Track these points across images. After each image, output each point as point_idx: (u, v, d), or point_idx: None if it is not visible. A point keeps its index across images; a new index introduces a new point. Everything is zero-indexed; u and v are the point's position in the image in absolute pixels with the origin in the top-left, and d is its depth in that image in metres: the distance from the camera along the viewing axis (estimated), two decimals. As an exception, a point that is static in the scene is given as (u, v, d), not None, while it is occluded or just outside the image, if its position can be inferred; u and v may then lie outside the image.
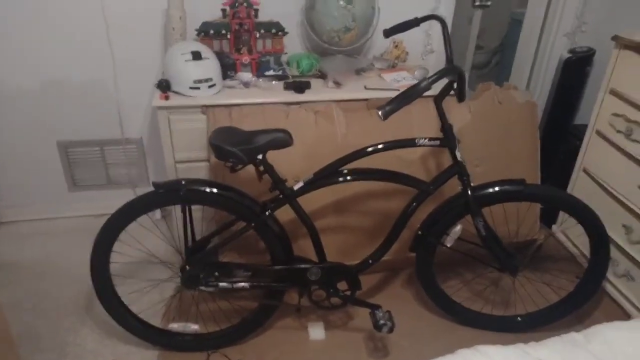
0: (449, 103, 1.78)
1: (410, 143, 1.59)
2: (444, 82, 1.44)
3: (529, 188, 1.65)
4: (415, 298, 2.03)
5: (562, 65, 2.42)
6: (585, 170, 2.11)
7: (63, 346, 1.78)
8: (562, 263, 2.21)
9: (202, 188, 1.56)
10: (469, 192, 1.61)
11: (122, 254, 1.67)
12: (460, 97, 1.44)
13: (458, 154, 1.60)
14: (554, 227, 2.37)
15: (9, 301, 1.94)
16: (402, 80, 2.14)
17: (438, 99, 1.55)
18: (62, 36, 2.09)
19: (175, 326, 1.77)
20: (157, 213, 2.49)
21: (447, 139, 1.58)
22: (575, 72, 2.42)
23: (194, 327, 1.75)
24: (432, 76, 1.29)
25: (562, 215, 2.32)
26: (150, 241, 2.08)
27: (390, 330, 1.69)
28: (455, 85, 1.45)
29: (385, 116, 1.24)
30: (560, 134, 2.49)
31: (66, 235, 2.34)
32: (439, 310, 1.92)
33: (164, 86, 1.87)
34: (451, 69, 1.35)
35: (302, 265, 1.69)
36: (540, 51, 2.63)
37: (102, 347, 1.77)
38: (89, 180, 2.43)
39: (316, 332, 1.85)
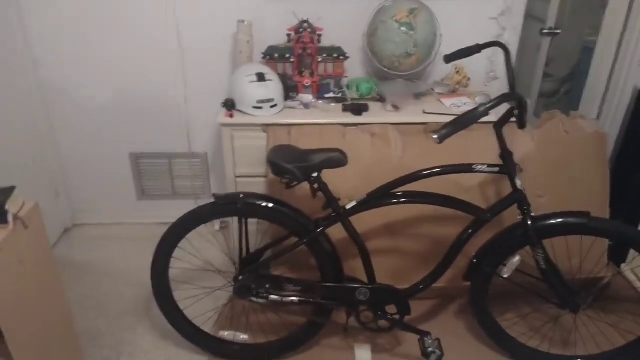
0: (512, 131, 1.74)
1: (467, 168, 1.57)
2: (504, 108, 1.42)
3: (593, 221, 1.57)
4: (467, 329, 1.96)
5: (636, 95, 2.29)
6: (660, 207, 1.97)
7: (120, 344, 1.89)
8: (631, 305, 2.05)
9: (259, 202, 1.63)
10: (529, 222, 1.56)
11: (181, 260, 1.76)
12: (521, 124, 1.41)
13: (518, 182, 1.56)
14: (623, 265, 2.21)
15: (76, 298, 2.09)
16: (462, 105, 2.12)
17: (498, 125, 1.53)
18: (139, 55, 2.28)
19: (225, 334, 1.83)
20: (216, 225, 2.60)
21: (507, 166, 1.55)
22: (652, 103, 2.28)
23: (243, 337, 1.79)
24: (490, 102, 1.27)
25: (633, 254, 2.16)
26: (208, 251, 2.17)
27: (439, 358, 1.64)
28: (516, 112, 1.42)
29: (440, 140, 1.24)
30: (634, 169, 2.34)
31: (132, 240, 2.49)
32: (492, 343, 1.84)
33: (230, 105, 1.98)
34: (510, 95, 1.33)
35: (352, 285, 1.70)
36: (612, 80, 2.51)
37: (155, 349, 1.86)
38: (156, 190, 2.59)
39: (363, 354, 1.83)
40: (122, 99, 2.37)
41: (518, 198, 1.57)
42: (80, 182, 2.56)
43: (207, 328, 1.87)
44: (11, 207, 1.28)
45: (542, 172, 1.94)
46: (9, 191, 1.34)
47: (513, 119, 1.49)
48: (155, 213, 2.60)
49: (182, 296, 1.83)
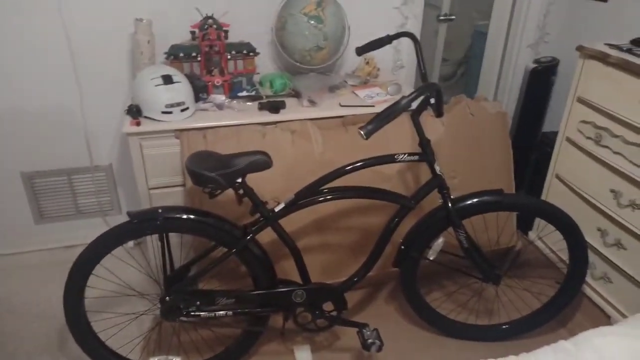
0: (422, 117, 1.80)
1: (389, 159, 1.59)
2: (420, 98, 1.45)
3: (507, 198, 1.68)
4: (399, 312, 2.01)
5: (528, 75, 2.50)
6: (558, 177, 2.16)
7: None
8: (541, 269, 2.25)
9: (180, 215, 1.52)
10: (450, 205, 1.62)
11: (95, 287, 1.59)
12: (438, 113, 1.45)
13: (437, 168, 1.61)
14: (530, 233, 2.41)
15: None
16: (375, 96, 2.15)
17: (415, 115, 1.56)
18: (22, 62, 2.01)
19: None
20: (131, 242, 2.41)
21: (426, 153, 1.59)
22: (541, 81, 2.49)
23: (175, 360, 1.68)
24: (411, 94, 1.29)
25: (538, 222, 2.37)
26: (125, 271, 2.00)
27: (379, 349, 1.66)
28: (432, 101, 1.46)
29: (368, 135, 1.23)
30: (530, 142, 2.56)
31: (34, 269, 2.22)
32: (425, 323, 1.91)
33: (135, 112, 1.82)
34: (429, 86, 1.36)
35: (287, 289, 1.66)
36: (505, 62, 2.71)
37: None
38: (57, 212, 2.33)
39: (303, 355, 1.81)
40: (7, 113, 2.07)
41: (438, 183, 1.62)
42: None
43: (134, 356, 1.72)
44: None
45: (453, 154, 2.03)
46: None
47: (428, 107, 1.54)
48: (57, 236, 2.34)
49: (102, 326, 1.67)
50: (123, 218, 1.56)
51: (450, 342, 1.88)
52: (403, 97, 1.26)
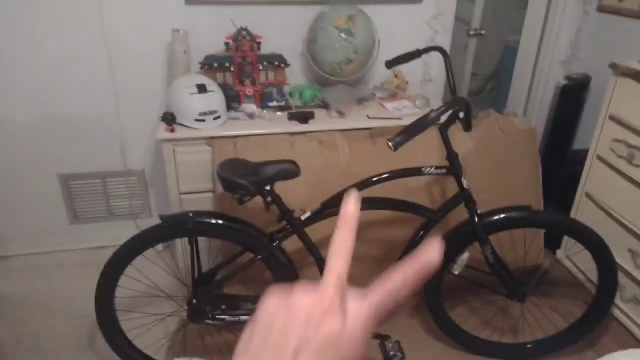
0: (451, 131, 1.80)
1: (416, 172, 1.60)
2: (449, 111, 1.46)
3: (534, 214, 1.66)
4: (422, 327, 2.00)
5: (559, 91, 2.47)
6: (587, 195, 2.13)
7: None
8: (569, 289, 2.20)
9: (210, 220, 1.56)
10: (476, 220, 1.62)
11: (125, 287, 1.64)
12: (467, 127, 1.46)
13: (464, 182, 1.61)
14: (558, 252, 2.37)
15: (9, 337, 1.90)
16: (403, 109, 2.17)
17: (443, 128, 1.57)
18: (62, 69, 2.11)
19: (180, 362, 1.73)
20: (160, 244, 2.47)
21: (454, 166, 1.59)
22: (572, 98, 2.47)
23: (200, 362, 1.71)
24: (440, 107, 1.31)
25: (566, 241, 2.32)
26: (154, 272, 2.05)
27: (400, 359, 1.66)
28: (461, 114, 1.47)
29: (396, 147, 1.25)
30: (560, 160, 2.52)
31: (68, 268, 2.30)
32: (447, 338, 1.90)
33: (169, 119, 1.89)
34: (458, 100, 1.37)
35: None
36: (536, 78, 2.69)
37: (105, 385, 1.73)
38: (91, 213, 2.42)
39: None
40: (45, 117, 2.18)
41: (465, 197, 1.62)
42: (7, 211, 2.31)
43: (160, 357, 1.76)
44: None
45: (480, 169, 2.03)
46: None
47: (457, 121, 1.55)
48: (90, 237, 2.42)
49: (130, 325, 1.71)
50: (154, 221, 1.61)
51: (473, 358, 1.86)
52: (432, 111, 1.28)
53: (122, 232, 1.94)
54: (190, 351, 1.80)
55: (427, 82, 2.54)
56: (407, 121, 2.03)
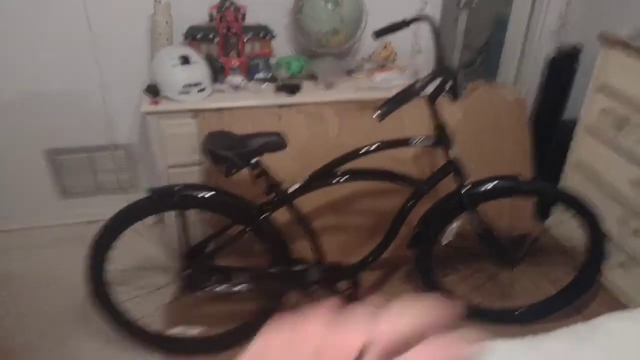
0: (440, 102, 1.79)
1: (404, 143, 1.60)
2: (436, 81, 1.45)
3: (522, 184, 1.67)
4: (415, 293, 2.03)
5: (548, 63, 2.46)
6: (576, 165, 2.14)
7: (62, 356, 1.74)
8: (558, 256, 2.23)
9: (197, 193, 1.55)
10: (464, 190, 1.63)
11: (116, 261, 1.64)
12: (455, 96, 1.45)
13: (452, 153, 1.61)
14: (547, 221, 2.39)
15: (3, 312, 1.90)
16: (392, 80, 2.15)
17: (431, 99, 1.56)
18: (46, 45, 2.05)
19: (175, 331, 1.75)
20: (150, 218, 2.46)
21: (441, 138, 1.59)
22: (562, 69, 2.45)
23: (194, 331, 1.73)
24: (426, 77, 1.29)
25: (556, 210, 2.35)
26: (145, 246, 2.05)
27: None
28: (448, 84, 1.46)
29: (382, 117, 1.24)
30: (549, 130, 2.52)
31: (58, 243, 2.29)
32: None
33: (153, 91, 1.86)
34: (445, 69, 1.36)
35: (301, 267, 1.69)
36: (526, 50, 2.66)
37: (102, 357, 1.75)
38: (79, 188, 2.39)
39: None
40: (27, 92, 2.13)
41: (453, 168, 1.63)
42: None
43: (155, 328, 1.77)
44: None
45: (469, 141, 2.02)
46: None
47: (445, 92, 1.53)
48: (79, 212, 2.41)
49: (124, 298, 1.71)
50: (142, 195, 1.60)
51: (466, 324, 1.88)
52: (417, 81, 1.27)
53: (112, 206, 1.93)
54: (185, 321, 1.81)
55: (416, 53, 2.51)
56: (393, 93, 2.02)
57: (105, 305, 1.66)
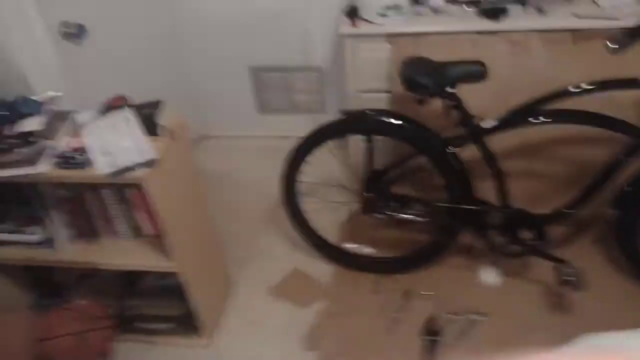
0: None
1: (633, 83, 1.35)
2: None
3: None
4: (607, 259, 1.82)
5: None
6: None
7: (253, 248, 2.05)
8: None
9: (388, 119, 1.57)
10: None
11: (307, 174, 1.79)
12: None
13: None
14: None
15: (211, 205, 2.26)
16: (622, 6, 1.79)
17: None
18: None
19: (349, 246, 1.89)
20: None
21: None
22: None
23: (368, 250, 1.85)
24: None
25: None
26: (332, 165, 2.19)
27: (579, 287, 1.56)
28: None
29: (619, 50, 1.06)
30: None
31: (256, 152, 2.60)
32: (634, 275, 1.70)
33: (353, 13, 1.86)
34: None
35: (482, 207, 1.63)
36: None
37: (286, 255, 2.01)
38: (275, 104, 2.62)
39: (489, 277, 1.80)
40: (242, 11, 2.34)
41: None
42: (206, 96, 2.65)
43: (332, 239, 1.94)
44: (162, 120, 1.37)
45: None
46: (156, 105, 1.42)
47: None
48: (274, 126, 2.66)
49: (308, 208, 1.89)
50: (328, 117, 1.68)
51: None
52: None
53: (301, 124, 2.08)
54: (360, 240, 1.94)
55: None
56: (626, 22, 1.69)
57: (294, 211, 1.85)
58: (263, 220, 2.19)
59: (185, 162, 1.48)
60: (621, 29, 1.10)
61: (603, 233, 1.90)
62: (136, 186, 1.31)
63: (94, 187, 1.41)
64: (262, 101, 2.63)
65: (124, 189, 1.39)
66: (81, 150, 1.28)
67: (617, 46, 1.06)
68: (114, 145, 1.28)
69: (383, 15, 1.83)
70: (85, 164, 1.26)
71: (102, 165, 1.24)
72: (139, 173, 1.24)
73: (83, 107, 1.45)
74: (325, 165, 2.09)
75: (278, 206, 1.92)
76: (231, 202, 2.30)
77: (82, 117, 1.40)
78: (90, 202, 1.45)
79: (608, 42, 1.07)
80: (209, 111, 2.69)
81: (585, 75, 1.43)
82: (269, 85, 2.56)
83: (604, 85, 1.39)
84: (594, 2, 1.86)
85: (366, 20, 1.87)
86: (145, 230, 1.49)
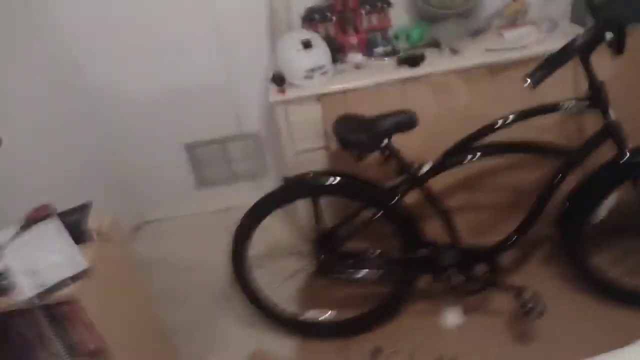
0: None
1: (551, 109, 1.43)
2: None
3: None
4: (558, 276, 1.84)
5: None
6: None
7: (209, 337, 1.91)
8: None
9: (330, 180, 1.55)
10: (627, 158, 1.41)
11: (254, 247, 1.72)
12: (619, 50, 1.23)
13: (611, 114, 1.39)
14: None
15: (157, 295, 2.11)
16: (527, 37, 1.92)
17: (585, 55, 1.35)
18: (177, 44, 2.19)
19: (310, 314, 1.81)
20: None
21: (598, 98, 1.38)
22: None
23: (327, 314, 1.77)
24: (587, 31, 1.11)
25: None
26: (279, 232, 2.13)
27: (541, 314, 1.56)
28: (607, 36, 1.24)
29: (535, 85, 1.11)
30: None
31: (198, 230, 2.49)
32: (589, 288, 1.73)
33: (279, 80, 1.88)
34: (609, 20, 1.16)
35: (437, 250, 1.62)
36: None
37: (246, 337, 1.87)
38: (214, 177, 2.56)
39: (453, 317, 1.77)
40: (167, 92, 2.30)
41: (612, 132, 1.41)
42: (142, 180, 2.55)
43: (291, 309, 1.85)
44: (91, 224, 1.27)
45: (624, 98, 1.73)
46: (83, 208, 1.32)
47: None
48: (215, 199, 2.58)
49: (260, 283, 1.80)
50: (272, 181, 1.65)
51: (622, 310, 1.67)
52: (578, 36, 1.10)
53: (244, 193, 2.04)
54: (319, 304, 1.86)
55: (549, 2, 2.21)
56: (532, 51, 1.80)
57: (247, 288, 1.76)
58: (215, 302, 2.05)
59: (121, 263, 1.38)
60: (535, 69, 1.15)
61: (551, 253, 1.94)
62: (69, 302, 1.19)
63: (22, 311, 1.26)
64: (199, 176, 2.56)
65: (57, 307, 1.26)
66: (1, 275, 1.16)
67: (533, 82, 1.10)
68: (40, 263, 1.16)
69: (308, 78, 1.85)
70: (7, 289, 1.13)
71: (26, 288, 1.12)
72: (70, 289, 1.13)
73: (2, 223, 1.33)
74: (275, 234, 2.03)
75: (229, 285, 1.81)
76: (178, 289, 2.15)
77: (1, 236, 1.27)
78: (19, 328, 1.30)
79: (525, 80, 1.12)
80: (145, 196, 2.58)
81: (508, 105, 1.49)
82: (206, 159, 2.51)
83: (525, 114, 1.45)
84: (501, 35, 1.99)
85: (292, 85, 1.89)
86: (84, 348, 1.35)
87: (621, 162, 1.42)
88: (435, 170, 1.52)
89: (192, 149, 2.46)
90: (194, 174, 2.55)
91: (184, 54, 2.22)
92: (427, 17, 2.10)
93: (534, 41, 1.88)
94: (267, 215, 1.62)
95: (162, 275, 2.23)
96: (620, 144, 1.42)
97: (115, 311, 1.31)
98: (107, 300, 1.27)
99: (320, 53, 1.85)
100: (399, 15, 2.14)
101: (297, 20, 2.04)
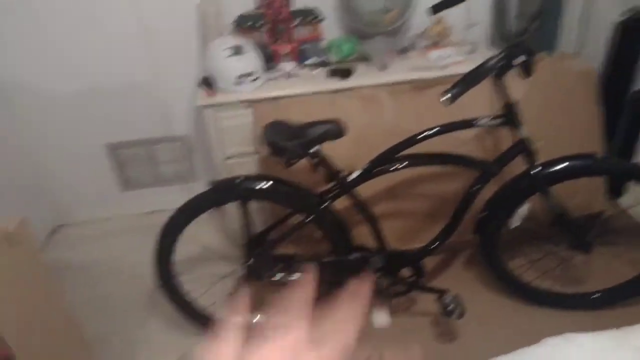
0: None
1: (468, 125, 1.52)
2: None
3: (599, 162, 1.56)
4: (477, 279, 1.96)
5: (618, 29, 2.27)
6: (652, 139, 1.98)
7: (133, 344, 1.82)
8: (635, 238, 2.09)
9: (259, 184, 1.55)
10: (536, 170, 1.54)
11: (181, 252, 1.67)
12: (528, 73, 1.35)
13: (523, 131, 1.52)
14: (622, 200, 2.24)
15: (78, 302, 1.97)
16: (448, 57, 2.05)
17: (498, 76, 1.47)
18: (100, 41, 2.09)
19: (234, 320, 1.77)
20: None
21: (510, 117, 1.50)
22: (632, 35, 2.26)
23: (258, 318, 1.75)
24: (499, 54, 1.21)
25: (630, 187, 2.19)
26: (207, 236, 2.08)
27: (461, 315, 1.64)
28: (518, 59, 1.36)
29: (452, 100, 1.18)
30: (619, 103, 2.35)
31: (122, 234, 2.38)
32: (505, 290, 1.86)
33: (208, 84, 1.85)
34: (519, 46, 1.27)
35: (363, 255, 1.66)
36: (591, 15, 2.48)
37: (171, 343, 1.80)
38: (139, 179, 2.45)
39: (380, 319, 1.81)
40: (88, 89, 2.19)
41: (523, 147, 1.54)
42: (59, 182, 2.39)
43: (220, 315, 1.80)
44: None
45: (535, 117, 1.90)
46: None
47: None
48: (141, 202, 2.48)
49: (189, 287, 1.75)
50: (201, 185, 1.61)
51: (535, 310, 1.81)
52: (491, 58, 1.19)
53: (171, 196, 1.97)
54: (250, 308, 1.83)
55: (471, 26, 2.38)
56: (453, 70, 1.93)
57: (173, 294, 1.70)
58: (140, 309, 1.96)
59: (31, 268, 1.27)
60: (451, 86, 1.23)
61: (471, 257, 2.06)
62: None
63: None
64: (124, 178, 2.44)
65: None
66: None
67: (450, 98, 1.18)
68: None
69: (238, 84, 1.84)
70: None
71: None
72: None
73: None
74: (204, 239, 1.98)
75: (154, 290, 1.74)
76: (101, 296, 2.04)
77: None
78: None
79: (442, 95, 1.19)
80: (64, 197, 2.42)
81: (431, 119, 1.57)
82: (130, 160, 2.40)
83: (446, 128, 1.54)
84: (425, 55, 2.10)
85: (222, 89, 1.87)
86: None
87: (531, 174, 1.55)
88: (363, 177, 1.56)
89: (115, 150, 2.35)
90: (118, 175, 2.42)
91: (109, 51, 2.12)
92: (357, 34, 2.18)
93: (455, 62, 2.02)
94: (194, 218, 1.58)
95: (83, 281, 2.11)
96: (530, 158, 1.54)
97: (25, 318, 1.21)
98: (14, 306, 1.17)
99: (251, 59, 1.85)
100: (331, 30, 2.20)
101: (228, 26, 2.02)
